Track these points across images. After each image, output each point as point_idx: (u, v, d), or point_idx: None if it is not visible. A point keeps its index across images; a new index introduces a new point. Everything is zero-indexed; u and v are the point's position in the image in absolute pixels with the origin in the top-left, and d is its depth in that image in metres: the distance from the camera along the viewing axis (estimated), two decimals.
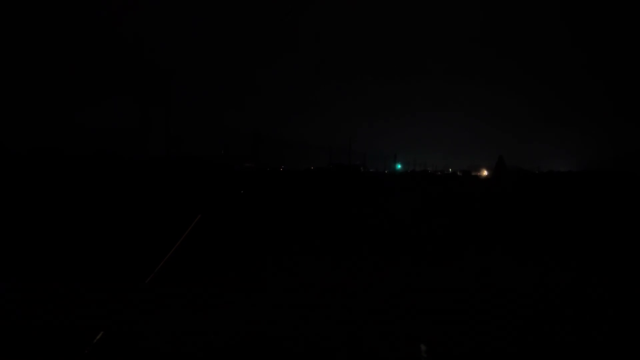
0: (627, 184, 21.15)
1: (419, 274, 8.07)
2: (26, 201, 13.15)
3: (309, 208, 15.29)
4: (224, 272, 8.05)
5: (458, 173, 61.00)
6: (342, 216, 13.61)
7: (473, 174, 57.39)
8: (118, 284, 7.10)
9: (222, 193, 18.49)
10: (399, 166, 68.95)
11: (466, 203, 17.49)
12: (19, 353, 4.91)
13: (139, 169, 26.80)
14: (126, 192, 16.27)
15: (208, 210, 9.20)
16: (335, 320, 5.79)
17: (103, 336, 5.17)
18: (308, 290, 7.08)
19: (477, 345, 5.14)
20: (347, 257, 9.30)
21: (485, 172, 68.66)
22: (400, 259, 9.10)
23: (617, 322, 5.81)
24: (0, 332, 5.31)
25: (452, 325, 5.66)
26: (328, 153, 70.43)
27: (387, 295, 6.79)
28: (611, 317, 6.02)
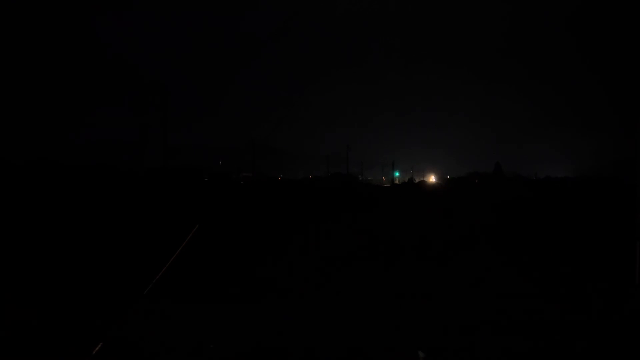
0: (614, 191, 21.30)
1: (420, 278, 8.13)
2: (25, 213, 13.16)
3: (307, 218, 15.31)
4: (223, 283, 8.05)
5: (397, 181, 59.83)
6: (338, 228, 13.63)
7: (417, 180, 56.85)
8: (117, 295, 7.11)
9: (220, 203, 18.50)
10: (397, 174, 69.25)
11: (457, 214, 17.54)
12: None
13: (137, 180, 26.81)
14: (125, 204, 16.28)
15: (206, 220, 9.25)
16: (335, 329, 5.82)
17: (102, 347, 5.18)
18: (308, 302, 7.11)
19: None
20: (346, 266, 9.36)
21: (432, 178, 70.21)
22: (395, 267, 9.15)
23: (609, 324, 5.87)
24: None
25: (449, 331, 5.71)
26: (326, 161, 70.57)
27: (384, 303, 6.84)
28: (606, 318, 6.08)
